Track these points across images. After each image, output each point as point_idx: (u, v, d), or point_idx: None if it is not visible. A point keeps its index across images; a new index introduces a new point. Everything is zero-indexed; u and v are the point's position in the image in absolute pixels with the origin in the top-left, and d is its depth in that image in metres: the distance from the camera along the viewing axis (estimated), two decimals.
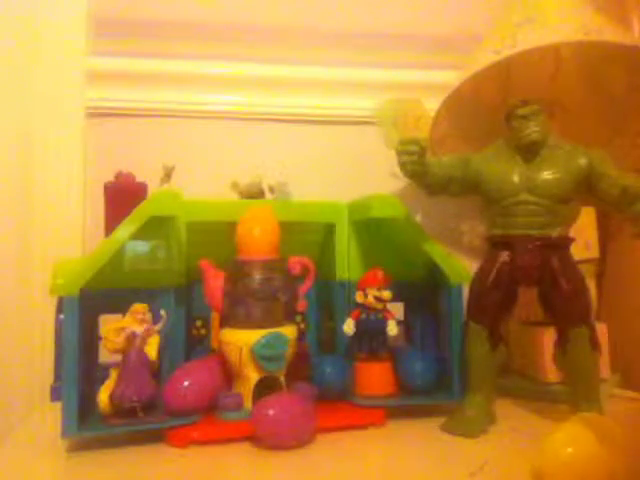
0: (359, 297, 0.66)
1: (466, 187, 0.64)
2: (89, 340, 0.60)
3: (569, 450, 0.43)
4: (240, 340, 0.59)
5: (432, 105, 0.76)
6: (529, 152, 0.61)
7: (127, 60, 0.88)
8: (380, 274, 0.67)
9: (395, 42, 0.96)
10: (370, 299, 0.66)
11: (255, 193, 0.70)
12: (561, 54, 0.80)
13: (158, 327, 0.61)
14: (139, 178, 0.71)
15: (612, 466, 0.42)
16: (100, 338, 0.60)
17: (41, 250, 0.82)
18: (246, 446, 0.55)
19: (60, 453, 0.54)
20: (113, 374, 0.59)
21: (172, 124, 0.89)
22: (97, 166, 0.84)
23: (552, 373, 0.71)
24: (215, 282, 0.61)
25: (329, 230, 0.72)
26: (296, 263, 0.63)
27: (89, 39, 0.87)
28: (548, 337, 0.70)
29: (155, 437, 0.56)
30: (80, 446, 0.55)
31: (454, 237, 0.93)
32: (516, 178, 0.61)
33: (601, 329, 0.70)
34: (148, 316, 0.61)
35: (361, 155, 0.92)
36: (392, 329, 0.65)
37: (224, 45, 0.92)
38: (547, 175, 0.60)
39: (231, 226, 0.61)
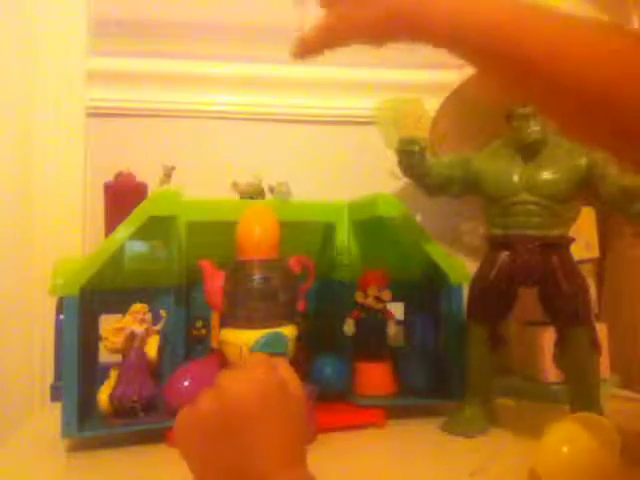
0: (359, 297, 0.66)
1: (466, 187, 0.64)
2: (89, 340, 0.60)
3: (565, 449, 0.43)
4: (240, 340, 0.58)
5: (432, 105, 0.75)
6: (529, 152, 0.61)
7: (127, 60, 0.88)
8: (380, 274, 0.67)
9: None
10: (370, 299, 0.66)
11: (255, 193, 0.70)
12: None
13: (158, 327, 0.61)
14: (139, 178, 0.71)
15: (607, 464, 0.42)
16: (100, 338, 0.60)
17: (41, 250, 0.82)
18: None
19: (60, 453, 0.54)
20: (113, 374, 0.59)
21: (172, 124, 0.89)
22: (97, 166, 0.84)
23: (552, 373, 0.71)
24: (215, 282, 0.61)
25: (329, 230, 0.72)
26: (296, 263, 0.63)
27: (89, 39, 0.87)
28: (548, 337, 0.70)
29: (155, 437, 0.56)
30: (80, 446, 0.56)
31: (454, 237, 0.93)
32: (516, 178, 0.61)
33: (601, 329, 0.70)
34: (148, 316, 0.61)
35: (361, 155, 0.92)
36: (392, 329, 0.65)
37: (224, 45, 0.91)
38: (547, 175, 0.60)
39: (231, 226, 0.61)
